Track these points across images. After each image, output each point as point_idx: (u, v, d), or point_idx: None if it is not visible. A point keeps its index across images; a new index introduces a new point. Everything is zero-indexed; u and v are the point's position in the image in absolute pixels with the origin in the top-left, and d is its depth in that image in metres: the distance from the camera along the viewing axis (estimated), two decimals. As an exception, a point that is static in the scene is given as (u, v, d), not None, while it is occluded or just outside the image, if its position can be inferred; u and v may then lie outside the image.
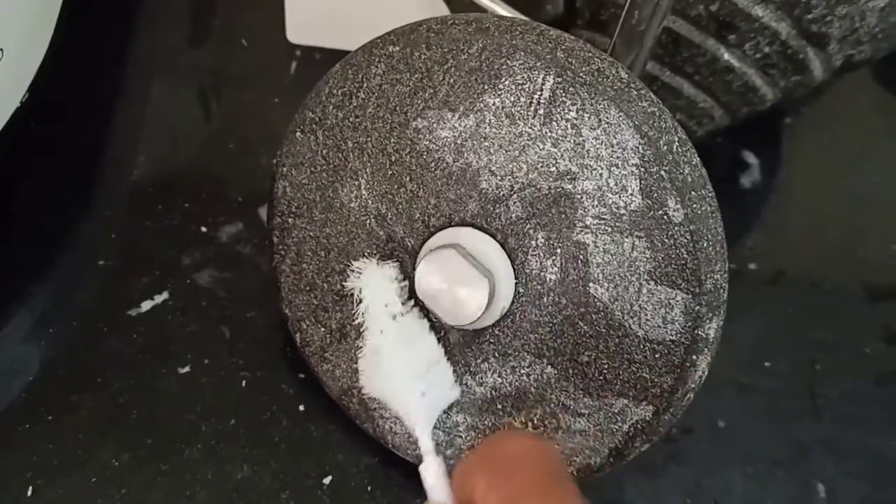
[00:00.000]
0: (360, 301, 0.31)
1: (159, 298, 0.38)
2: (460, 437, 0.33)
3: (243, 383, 0.36)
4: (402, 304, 0.30)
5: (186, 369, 0.36)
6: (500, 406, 0.32)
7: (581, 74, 0.27)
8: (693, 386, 0.29)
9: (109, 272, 0.38)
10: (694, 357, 0.29)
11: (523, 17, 0.29)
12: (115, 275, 0.38)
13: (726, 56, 0.36)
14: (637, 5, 0.30)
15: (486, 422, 0.32)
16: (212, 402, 0.36)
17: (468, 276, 0.29)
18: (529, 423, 0.31)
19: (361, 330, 0.31)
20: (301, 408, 0.36)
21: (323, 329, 0.34)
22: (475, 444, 0.33)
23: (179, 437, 0.35)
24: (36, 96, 0.36)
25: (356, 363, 0.33)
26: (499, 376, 0.31)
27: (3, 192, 0.39)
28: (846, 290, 0.43)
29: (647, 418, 0.30)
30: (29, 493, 0.33)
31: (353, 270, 0.32)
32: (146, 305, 0.37)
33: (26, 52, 0.36)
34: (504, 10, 0.39)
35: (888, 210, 0.46)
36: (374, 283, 0.31)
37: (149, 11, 0.47)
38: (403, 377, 0.29)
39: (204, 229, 0.40)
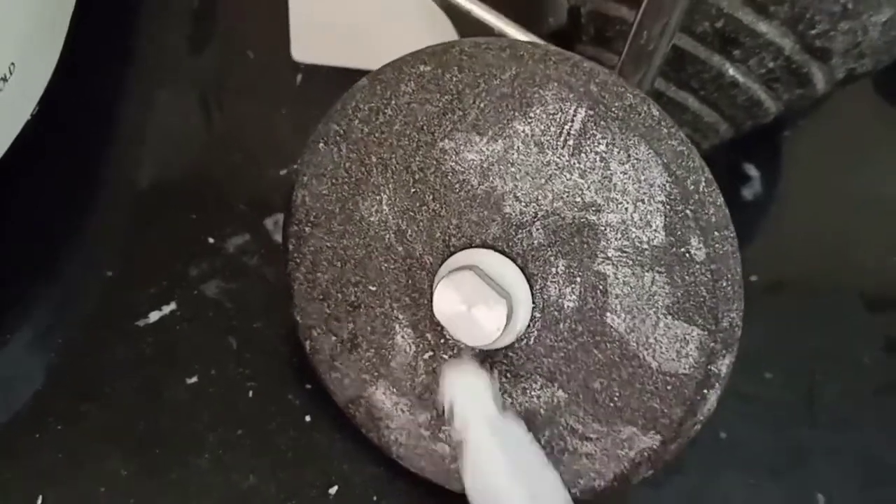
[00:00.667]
0: (451, 407, 0.31)
1: (167, 309, 0.38)
2: None
3: (250, 393, 0.37)
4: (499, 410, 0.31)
5: (194, 379, 0.36)
6: None
7: (613, 109, 0.28)
8: (702, 419, 0.30)
9: (117, 282, 0.39)
10: (705, 391, 0.29)
11: (556, 48, 0.29)
12: (123, 285, 0.39)
13: (731, 71, 0.37)
14: (646, 25, 0.31)
15: None
16: (218, 412, 0.36)
17: (486, 297, 0.29)
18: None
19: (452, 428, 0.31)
20: (307, 418, 0.36)
21: (334, 338, 0.34)
22: None
23: (186, 447, 0.35)
24: (46, 108, 0.37)
25: (365, 373, 0.34)
26: (509, 397, 0.32)
27: (10, 202, 0.39)
28: (846, 300, 0.44)
29: (655, 447, 0.30)
30: (39, 502, 0.33)
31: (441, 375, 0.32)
32: (154, 316, 0.38)
33: (37, 66, 0.36)
34: (509, 27, 0.39)
35: (888, 221, 0.47)
36: (467, 389, 0.31)
37: (154, 19, 0.47)
38: (510, 480, 0.29)
39: (211, 240, 0.40)
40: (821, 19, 0.35)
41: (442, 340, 0.32)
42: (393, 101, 0.31)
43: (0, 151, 0.35)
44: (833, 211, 0.47)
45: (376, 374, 0.34)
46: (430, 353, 0.33)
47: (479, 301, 0.29)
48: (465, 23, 0.41)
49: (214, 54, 0.47)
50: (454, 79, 0.30)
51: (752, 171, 0.47)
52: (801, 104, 0.40)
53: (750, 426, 0.39)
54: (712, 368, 0.29)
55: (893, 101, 0.50)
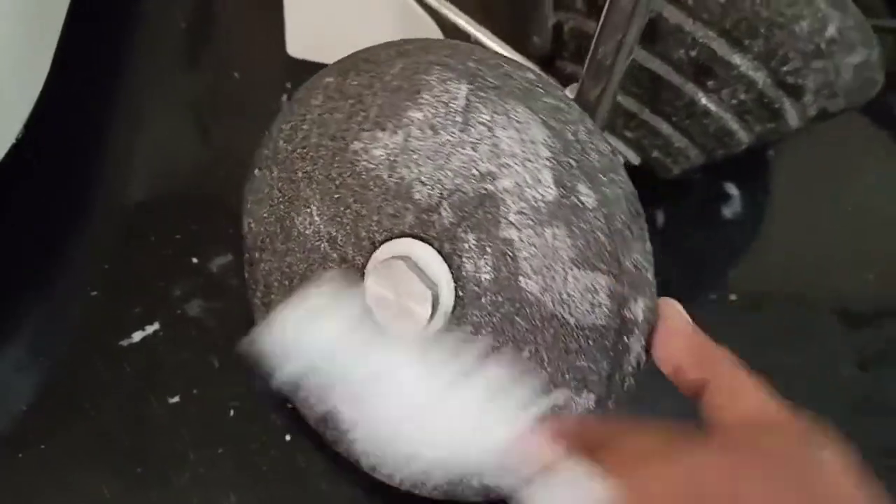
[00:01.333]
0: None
1: (150, 329, 0.39)
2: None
3: (231, 413, 0.37)
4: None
5: (176, 399, 0.37)
6: None
7: (490, 79, 0.29)
8: (630, 370, 0.30)
9: (102, 302, 0.40)
10: (625, 339, 0.29)
11: (438, 39, 0.30)
12: (108, 305, 0.39)
13: (704, 100, 0.38)
14: (602, 41, 0.32)
15: None
16: (200, 431, 0.37)
17: (412, 286, 0.30)
18: None
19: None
20: (287, 437, 0.37)
21: None
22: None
23: (168, 465, 0.36)
24: (33, 129, 0.37)
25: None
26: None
27: (-3, 223, 0.40)
28: (823, 318, 0.44)
29: (591, 407, 0.30)
30: (20, 519, 0.34)
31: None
32: (137, 336, 0.38)
33: (22, 93, 0.37)
34: (489, 40, 0.40)
35: (864, 240, 0.47)
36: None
37: (142, 41, 0.48)
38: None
39: (195, 260, 0.41)
40: (794, 56, 0.35)
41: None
42: (307, 116, 0.33)
43: (-14, 175, 0.36)
44: (811, 229, 0.47)
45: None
46: None
47: (406, 290, 0.30)
48: (444, 24, 0.42)
49: (201, 75, 0.47)
50: (353, 84, 0.32)
51: (732, 189, 0.48)
52: (773, 137, 0.40)
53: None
54: (626, 314, 0.29)
55: (874, 122, 0.51)
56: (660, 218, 0.46)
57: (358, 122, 0.32)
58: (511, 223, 0.29)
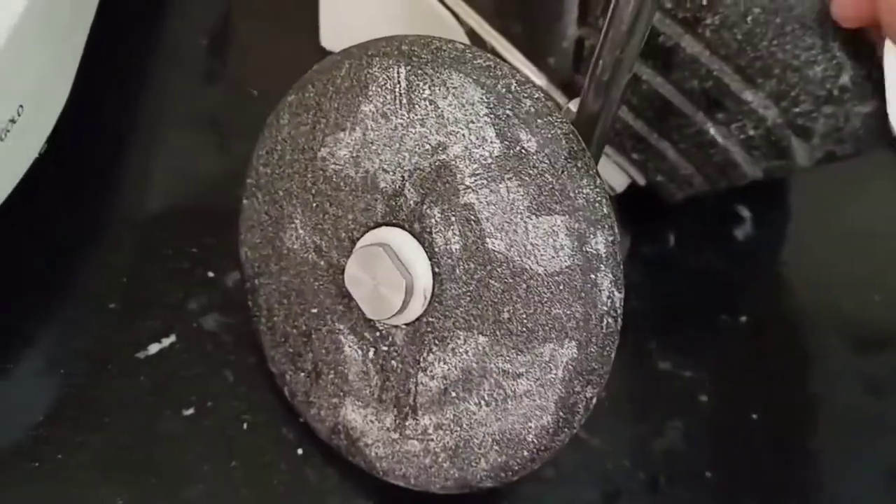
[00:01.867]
0: None
1: (166, 342, 0.39)
2: (432, 440, 0.33)
3: (244, 426, 0.37)
4: None
5: (190, 411, 0.37)
6: (454, 394, 0.33)
7: (423, 55, 0.31)
8: (604, 309, 0.29)
9: (118, 315, 0.40)
10: (592, 276, 0.29)
11: (378, 38, 0.33)
12: (124, 317, 0.40)
13: (712, 131, 0.38)
14: (602, 55, 0.33)
15: (448, 415, 0.33)
16: (213, 445, 0.37)
17: (388, 273, 0.31)
18: (482, 402, 0.32)
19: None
20: (299, 452, 0.37)
21: (302, 374, 0.36)
22: (447, 444, 0.33)
23: (181, 478, 0.36)
24: (53, 145, 0.38)
25: (334, 397, 0.35)
26: (444, 363, 0.32)
27: (16, 235, 0.40)
28: (832, 340, 0.44)
29: (575, 355, 0.30)
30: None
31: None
32: (153, 348, 0.39)
33: (46, 107, 0.38)
34: (509, 54, 0.43)
35: (876, 263, 0.47)
36: None
37: (164, 57, 0.49)
38: None
39: (211, 274, 0.41)
40: (805, 99, 0.36)
41: (377, 334, 0.34)
42: (278, 136, 0.35)
43: (8, 189, 0.36)
44: (823, 252, 0.47)
45: (341, 393, 0.35)
46: (373, 350, 0.34)
47: (379, 275, 0.32)
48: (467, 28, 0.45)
49: (220, 91, 0.48)
50: (311, 94, 0.34)
51: (744, 212, 0.48)
52: (780, 173, 0.41)
53: (735, 466, 0.40)
54: (588, 249, 0.29)
55: (886, 146, 0.51)
56: (671, 238, 0.47)
57: (321, 130, 0.34)
58: (468, 187, 0.31)
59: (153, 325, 0.40)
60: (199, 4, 0.51)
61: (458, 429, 0.33)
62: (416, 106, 0.31)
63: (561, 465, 0.38)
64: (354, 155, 0.33)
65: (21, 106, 0.35)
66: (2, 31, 0.33)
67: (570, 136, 0.29)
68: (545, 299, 0.30)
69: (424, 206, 0.32)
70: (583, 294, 0.29)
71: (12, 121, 0.34)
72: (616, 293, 0.29)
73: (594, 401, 0.31)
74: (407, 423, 0.34)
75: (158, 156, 0.46)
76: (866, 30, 0.33)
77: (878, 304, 0.45)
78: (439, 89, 0.31)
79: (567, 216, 0.29)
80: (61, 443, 0.36)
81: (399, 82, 0.32)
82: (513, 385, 0.31)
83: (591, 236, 0.29)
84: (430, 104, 0.31)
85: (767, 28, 0.34)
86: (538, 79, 0.43)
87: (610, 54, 0.31)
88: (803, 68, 0.35)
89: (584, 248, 0.29)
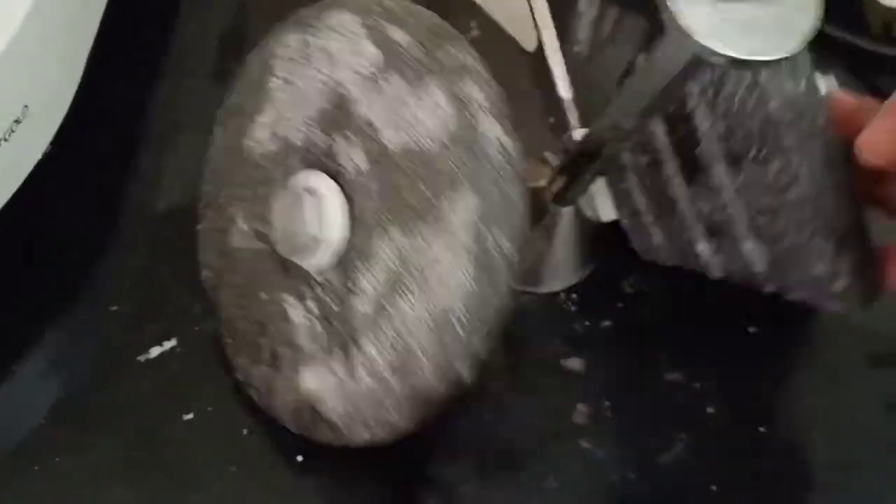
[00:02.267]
0: None
1: (168, 345, 0.39)
2: (379, 363, 0.32)
3: (244, 432, 0.37)
4: None
5: (190, 416, 0.37)
6: (385, 304, 0.32)
7: (310, 14, 0.36)
8: (496, 154, 0.31)
9: (122, 318, 0.40)
10: (473, 121, 0.31)
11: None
12: (127, 320, 0.40)
13: (701, 248, 0.38)
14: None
15: (387, 331, 0.32)
16: (214, 449, 0.37)
17: (296, 215, 0.34)
18: (410, 297, 0.32)
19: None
20: (299, 458, 0.37)
21: (263, 366, 0.36)
22: (393, 362, 0.32)
23: (181, 483, 0.36)
24: (58, 148, 0.38)
25: (293, 373, 0.35)
26: (371, 275, 0.33)
27: (21, 236, 0.41)
28: (847, 357, 0.43)
29: (476, 203, 0.31)
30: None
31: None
32: (155, 351, 0.39)
33: (50, 107, 0.37)
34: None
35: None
36: None
37: (176, 57, 0.49)
38: None
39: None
40: (799, 283, 0.37)
41: (317, 287, 0.34)
42: (211, 147, 0.39)
43: (11, 190, 0.36)
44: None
45: (297, 366, 0.35)
46: (315, 302, 0.34)
47: (301, 217, 0.34)
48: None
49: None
50: (233, 98, 0.38)
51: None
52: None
53: (743, 481, 0.39)
54: (462, 99, 0.31)
55: None
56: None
57: (242, 123, 0.37)
58: (360, 101, 0.33)
59: (155, 328, 0.40)
60: (211, 4, 0.51)
61: (399, 338, 0.32)
62: (312, 57, 0.34)
63: (565, 476, 0.38)
64: (272, 131, 0.36)
65: (26, 106, 0.35)
66: (5, 33, 0.33)
67: (432, 17, 0.33)
68: (444, 170, 0.31)
69: (332, 141, 0.34)
70: (473, 149, 0.31)
71: (17, 121, 0.35)
72: (504, 137, 0.31)
73: (516, 257, 0.31)
74: (355, 361, 0.33)
75: (168, 157, 0.46)
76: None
77: (893, 317, 0.44)
78: (323, 32, 0.34)
79: (439, 78, 0.31)
80: (64, 445, 0.37)
81: (298, 47, 0.35)
82: (431, 261, 0.31)
83: (460, 87, 0.31)
84: (323, 52, 0.34)
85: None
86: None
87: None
88: (807, 268, 0.35)
89: (459, 99, 0.31)
